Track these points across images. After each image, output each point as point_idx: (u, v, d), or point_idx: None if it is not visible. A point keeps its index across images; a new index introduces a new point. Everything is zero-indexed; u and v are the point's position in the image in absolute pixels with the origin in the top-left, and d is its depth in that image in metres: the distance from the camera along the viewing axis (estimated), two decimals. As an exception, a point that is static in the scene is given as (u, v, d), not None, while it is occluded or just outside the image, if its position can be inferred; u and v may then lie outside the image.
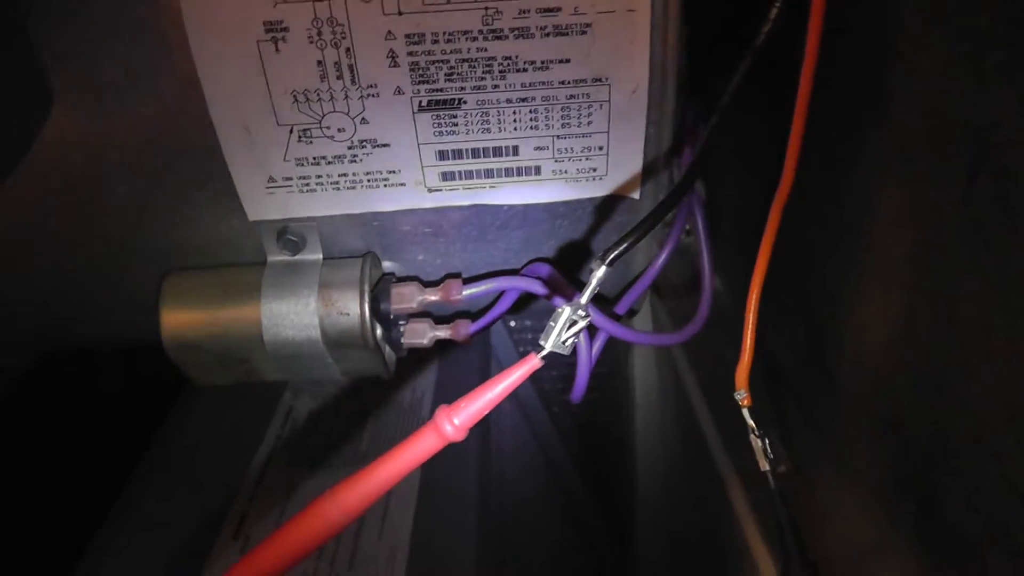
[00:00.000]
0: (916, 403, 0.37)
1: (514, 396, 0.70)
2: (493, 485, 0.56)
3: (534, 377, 0.69)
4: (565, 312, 0.30)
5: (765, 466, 0.37)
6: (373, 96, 0.38)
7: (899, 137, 0.35)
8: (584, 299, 0.30)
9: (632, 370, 0.71)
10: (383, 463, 0.31)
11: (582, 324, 0.30)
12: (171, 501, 0.55)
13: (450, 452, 0.48)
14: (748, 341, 0.36)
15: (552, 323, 0.30)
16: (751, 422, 0.37)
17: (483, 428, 0.55)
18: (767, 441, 0.38)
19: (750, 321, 0.36)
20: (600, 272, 0.31)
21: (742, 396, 0.37)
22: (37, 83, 0.36)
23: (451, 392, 0.69)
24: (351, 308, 0.42)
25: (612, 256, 0.31)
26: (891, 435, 0.38)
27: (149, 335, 0.45)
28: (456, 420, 0.30)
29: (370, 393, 0.70)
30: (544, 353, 0.30)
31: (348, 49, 0.37)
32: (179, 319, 0.43)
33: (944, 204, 0.34)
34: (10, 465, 0.53)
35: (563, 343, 0.30)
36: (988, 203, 0.31)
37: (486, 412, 0.30)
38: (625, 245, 0.31)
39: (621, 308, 0.48)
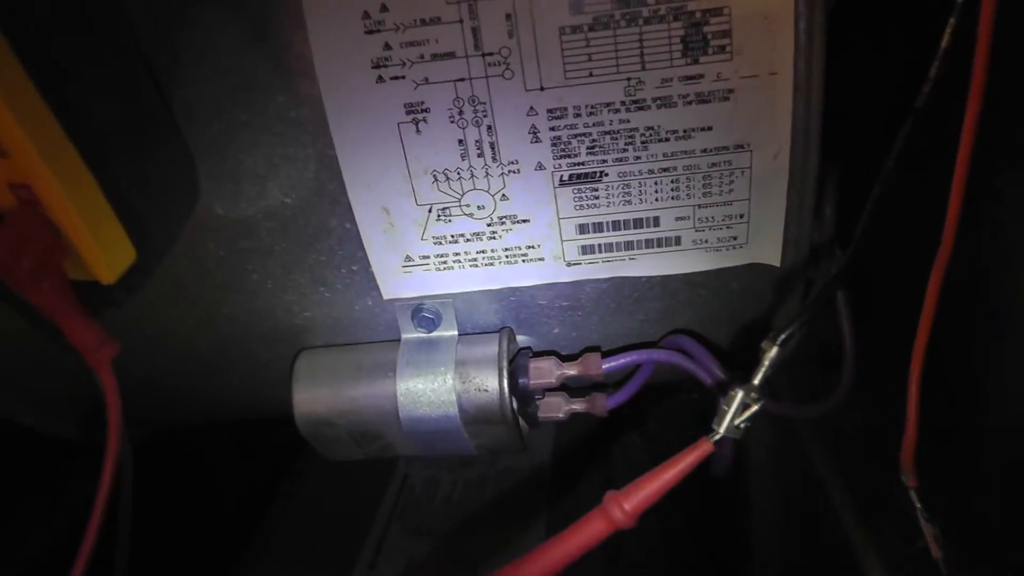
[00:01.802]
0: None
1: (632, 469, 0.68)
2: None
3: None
4: (739, 396, 0.29)
5: (938, 552, 0.35)
6: (514, 172, 0.38)
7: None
8: (757, 381, 0.29)
9: (748, 451, 0.69)
10: (549, 549, 0.30)
11: (755, 408, 0.29)
12: (289, 573, 0.55)
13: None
14: (912, 419, 0.34)
15: (725, 407, 0.29)
16: (919, 504, 0.35)
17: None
18: (939, 529, 0.36)
19: (913, 396, 0.34)
20: (772, 353, 0.29)
21: (908, 476, 0.35)
22: (188, 177, 0.37)
23: (570, 461, 0.67)
24: (490, 384, 0.42)
25: (783, 336, 0.30)
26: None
27: (280, 412, 0.45)
28: (627, 506, 0.29)
29: (485, 459, 0.69)
30: (717, 438, 0.29)
31: (490, 127, 0.37)
32: (312, 397, 0.44)
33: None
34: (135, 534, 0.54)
35: (736, 427, 0.29)
36: None
37: (657, 498, 0.29)
38: (796, 325, 0.30)
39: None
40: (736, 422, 0.29)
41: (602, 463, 0.66)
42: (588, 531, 0.29)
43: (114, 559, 0.39)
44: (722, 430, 0.29)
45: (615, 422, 0.67)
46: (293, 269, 0.42)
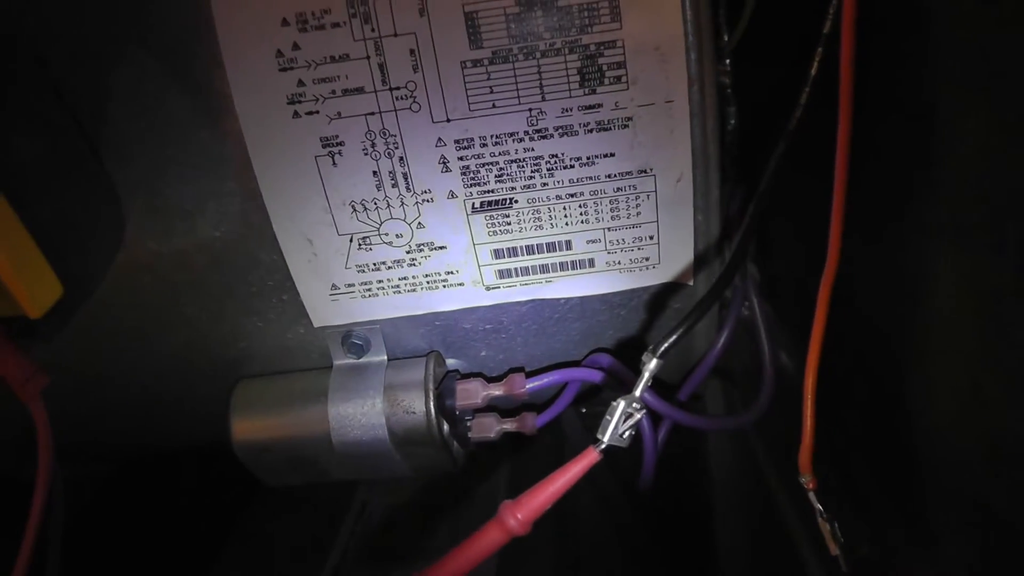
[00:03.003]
0: (994, 476, 0.36)
1: (592, 485, 0.69)
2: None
3: (613, 466, 0.68)
4: (620, 406, 0.30)
5: (835, 551, 0.36)
6: (428, 201, 0.40)
7: (948, 206, 0.35)
8: (638, 392, 0.31)
9: (709, 458, 0.70)
10: (450, 559, 0.31)
11: (637, 416, 0.30)
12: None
13: (526, 548, 0.48)
14: (808, 425, 0.35)
15: (608, 417, 0.30)
16: (818, 506, 0.36)
17: (559, 521, 0.55)
18: (836, 525, 0.37)
19: (808, 404, 0.36)
20: (652, 364, 0.31)
21: (806, 480, 0.36)
22: (112, 214, 0.38)
23: (525, 484, 0.69)
24: (417, 407, 0.43)
25: (663, 348, 0.31)
26: (980, 519, 0.37)
27: (221, 440, 0.46)
28: (519, 515, 0.30)
29: (445, 488, 0.70)
30: (602, 447, 0.30)
31: (401, 158, 0.39)
32: (249, 425, 0.45)
33: (999, 272, 0.34)
34: (92, 570, 0.55)
35: (620, 436, 0.30)
36: None
37: (548, 506, 0.31)
38: (675, 337, 0.31)
39: (684, 393, 0.48)
40: (620, 431, 0.30)
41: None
42: (486, 539, 0.31)
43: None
44: (606, 439, 0.30)
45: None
46: (226, 301, 0.43)
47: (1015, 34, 0.30)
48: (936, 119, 0.36)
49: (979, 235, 0.35)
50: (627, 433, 0.30)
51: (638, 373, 0.44)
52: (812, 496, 0.36)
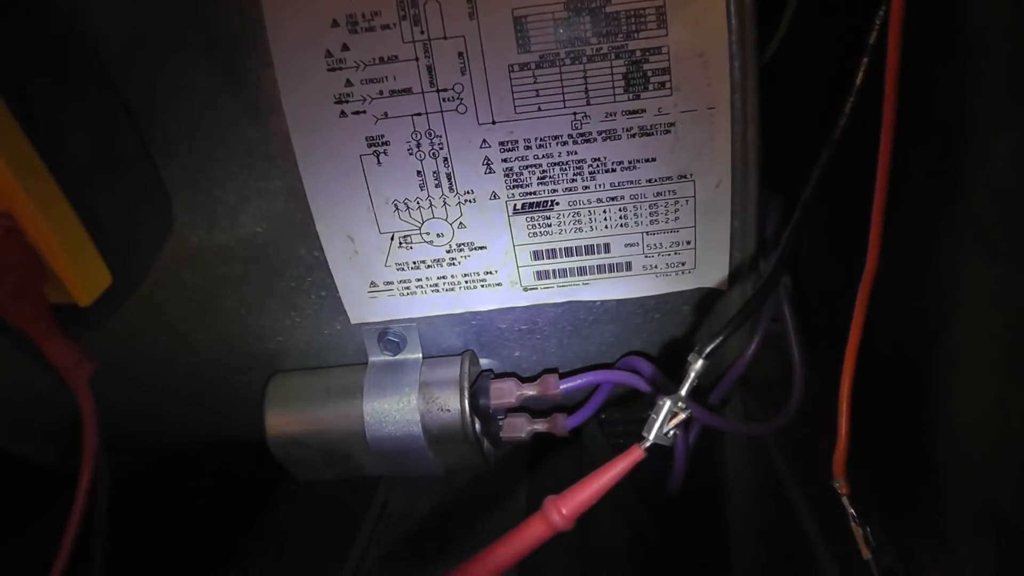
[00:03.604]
0: (1018, 493, 0.36)
1: (610, 493, 0.70)
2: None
3: (631, 472, 0.69)
4: (666, 405, 0.31)
5: (867, 554, 0.37)
6: (470, 202, 0.40)
7: (978, 222, 0.36)
8: (684, 391, 0.31)
9: (726, 465, 0.71)
10: (493, 551, 0.32)
11: (683, 416, 0.31)
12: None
13: (549, 552, 0.48)
14: (843, 430, 0.36)
15: (654, 415, 0.31)
16: (851, 510, 0.37)
17: (580, 526, 0.55)
18: (868, 529, 0.37)
19: (844, 410, 0.36)
20: (698, 365, 0.32)
21: (840, 484, 0.37)
22: (162, 208, 0.39)
23: (545, 486, 0.69)
24: (452, 404, 0.44)
25: (709, 349, 0.32)
26: (996, 527, 0.38)
27: (254, 435, 0.47)
28: (564, 510, 0.31)
29: (464, 487, 0.70)
30: (647, 445, 0.31)
31: (446, 159, 0.39)
32: (284, 419, 0.45)
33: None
34: (117, 559, 0.55)
35: (665, 434, 0.31)
36: None
37: (592, 502, 0.31)
38: (721, 339, 0.32)
39: (713, 399, 0.48)
40: (664, 430, 0.31)
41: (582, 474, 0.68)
42: (530, 533, 0.31)
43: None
44: (651, 437, 0.31)
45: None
46: (265, 296, 0.44)
47: None
48: (970, 135, 0.37)
49: (1008, 251, 0.35)
50: (671, 432, 0.31)
51: (671, 376, 0.44)
52: (845, 500, 0.36)
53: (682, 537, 0.73)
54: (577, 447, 0.68)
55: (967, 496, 0.39)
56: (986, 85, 0.34)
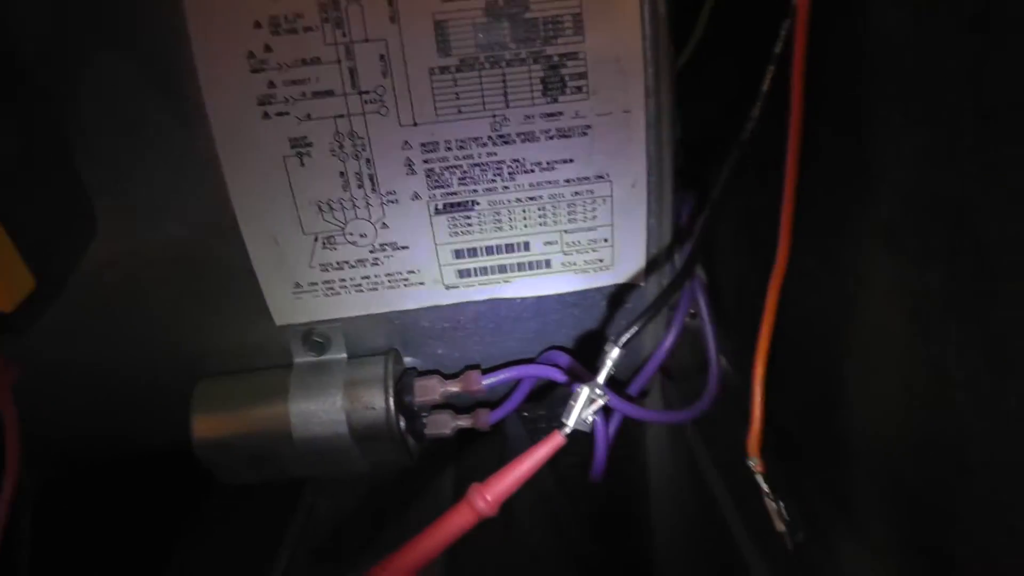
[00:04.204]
0: (921, 465, 0.38)
1: (533, 484, 0.71)
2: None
3: (553, 464, 0.70)
4: (584, 392, 0.32)
5: (781, 527, 0.39)
6: (392, 202, 0.41)
7: (882, 214, 0.38)
8: (601, 379, 0.33)
9: (647, 454, 0.73)
10: (420, 540, 0.32)
11: (600, 402, 0.32)
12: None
13: (475, 544, 0.49)
14: (757, 411, 0.38)
15: (572, 402, 0.32)
16: (765, 487, 0.39)
17: (505, 517, 0.56)
18: (782, 504, 0.39)
19: (757, 392, 0.38)
20: (614, 354, 0.33)
21: (755, 463, 0.39)
22: (84, 212, 0.39)
23: (470, 479, 0.70)
24: (377, 403, 0.44)
25: (625, 339, 0.33)
26: (902, 498, 0.40)
27: (180, 440, 0.47)
28: (488, 496, 0.32)
29: (391, 485, 0.71)
30: (567, 431, 0.32)
31: (368, 160, 0.40)
32: (210, 423, 0.45)
33: (929, 276, 0.36)
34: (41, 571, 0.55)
35: (584, 420, 0.32)
36: (968, 273, 0.34)
37: (516, 487, 0.32)
38: (635, 328, 0.33)
39: (633, 390, 0.50)
40: (583, 416, 0.32)
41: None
42: (456, 521, 0.32)
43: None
44: (571, 423, 0.32)
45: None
46: (189, 298, 0.44)
47: (947, 59, 0.32)
48: (876, 134, 0.39)
49: (911, 243, 0.38)
50: (590, 418, 0.32)
51: (592, 370, 0.46)
52: (760, 478, 0.38)
53: (606, 524, 0.75)
54: (500, 440, 0.69)
55: (873, 469, 0.42)
56: (889, 89, 0.36)
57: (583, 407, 0.32)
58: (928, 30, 0.36)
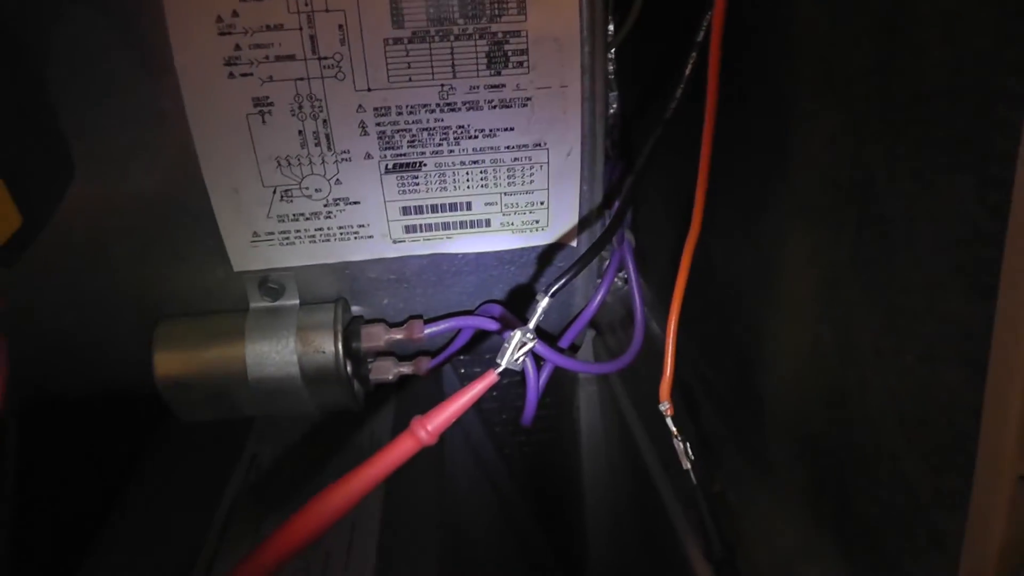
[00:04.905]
0: (826, 416, 0.43)
1: (466, 438, 0.75)
2: (450, 520, 0.61)
3: (484, 420, 0.74)
4: (516, 335, 0.36)
5: (687, 465, 0.43)
6: (346, 160, 0.45)
7: (799, 190, 0.43)
8: (532, 324, 0.37)
9: (578, 411, 0.77)
10: (367, 466, 0.36)
11: (530, 345, 0.36)
12: (142, 552, 0.59)
13: (410, 486, 0.53)
14: (669, 358, 0.42)
15: (506, 345, 0.36)
16: (673, 428, 0.43)
17: (438, 465, 0.60)
18: (687, 444, 0.44)
19: (670, 343, 0.42)
20: (544, 302, 0.37)
21: (666, 407, 0.43)
22: (64, 155, 0.42)
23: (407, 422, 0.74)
24: (327, 347, 0.48)
25: (554, 289, 0.37)
26: (808, 446, 0.44)
27: (139, 379, 0.50)
28: (429, 427, 0.36)
29: (330, 434, 0.74)
30: (500, 369, 0.36)
31: (325, 120, 0.43)
32: (170, 361, 0.49)
33: (839, 246, 0.41)
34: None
35: (515, 361, 0.36)
36: (872, 245, 0.38)
37: (453, 420, 0.36)
38: (564, 279, 0.37)
39: (563, 343, 0.54)
40: (515, 357, 0.36)
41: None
42: (399, 449, 0.36)
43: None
44: (504, 363, 0.36)
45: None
46: (153, 244, 0.47)
47: (857, 54, 0.37)
48: (793, 116, 0.43)
49: (824, 216, 0.42)
50: (520, 359, 0.36)
51: (526, 321, 0.50)
52: (669, 420, 0.42)
53: (537, 483, 0.80)
54: (437, 386, 0.73)
55: (784, 420, 0.46)
56: (805, 76, 0.41)
57: (515, 350, 0.36)
58: (842, 27, 0.41)
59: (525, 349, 0.36)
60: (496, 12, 0.42)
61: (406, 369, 0.52)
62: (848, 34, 0.40)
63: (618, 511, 0.73)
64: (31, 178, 0.39)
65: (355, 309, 0.52)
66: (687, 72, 0.40)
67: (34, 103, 0.40)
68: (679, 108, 0.41)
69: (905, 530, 0.37)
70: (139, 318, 0.50)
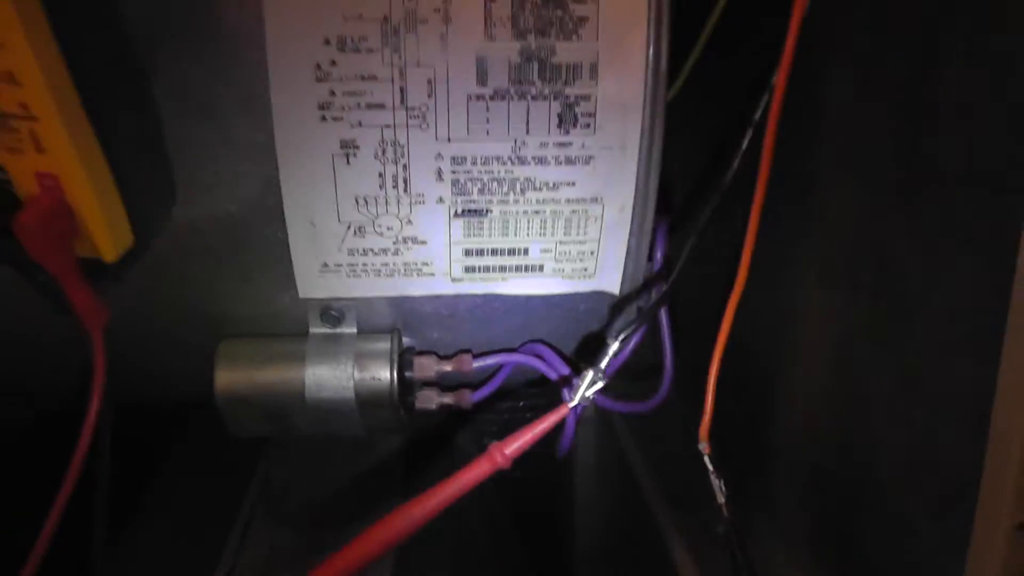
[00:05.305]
0: (835, 463, 0.47)
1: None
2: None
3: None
4: (589, 375, 0.40)
5: (721, 499, 0.47)
6: (420, 203, 0.48)
7: (818, 252, 0.47)
8: (603, 365, 0.40)
9: (576, 443, 0.81)
10: (446, 485, 0.39)
11: (600, 385, 0.40)
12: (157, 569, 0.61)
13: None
14: (709, 405, 0.46)
15: (578, 382, 0.40)
16: (710, 466, 0.47)
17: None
18: (722, 481, 0.47)
19: (710, 390, 0.46)
20: (615, 346, 0.41)
21: (704, 446, 0.47)
22: (169, 178, 0.45)
23: (419, 454, 0.77)
24: (383, 375, 0.51)
25: (624, 335, 0.41)
26: (815, 491, 0.48)
27: (195, 391, 0.52)
28: (506, 451, 0.39)
29: (340, 456, 0.77)
30: (573, 404, 0.40)
31: (405, 165, 0.47)
32: (231, 378, 0.51)
33: (855, 307, 0.45)
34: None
35: (586, 397, 0.40)
36: (887, 308, 0.42)
37: (526, 448, 0.39)
38: (633, 327, 0.41)
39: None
40: (587, 393, 0.40)
41: (450, 456, 0.76)
42: (476, 471, 0.39)
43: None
44: (576, 398, 0.40)
45: (451, 423, 0.78)
46: (227, 266, 0.50)
47: (880, 131, 0.41)
48: (817, 182, 0.48)
49: (842, 279, 0.46)
50: (591, 396, 0.40)
51: (567, 360, 0.54)
52: (707, 459, 0.46)
53: (531, 518, 0.83)
54: (447, 426, 0.77)
55: (795, 469, 0.50)
56: (832, 143, 0.45)
57: (587, 388, 0.40)
58: (867, 104, 0.45)
59: (595, 388, 0.40)
60: (571, 77, 0.46)
61: (448, 400, 0.55)
62: (871, 112, 0.45)
63: (610, 542, 0.77)
64: (143, 201, 0.42)
65: (406, 340, 0.55)
66: (743, 145, 0.44)
67: (152, 133, 0.43)
68: (733, 178, 0.46)
69: (907, 573, 0.41)
70: (202, 334, 0.53)
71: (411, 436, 0.78)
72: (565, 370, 0.53)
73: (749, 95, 0.45)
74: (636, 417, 0.62)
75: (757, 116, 0.43)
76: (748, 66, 0.48)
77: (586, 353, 0.55)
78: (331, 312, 0.52)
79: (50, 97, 0.35)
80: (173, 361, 0.54)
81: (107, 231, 0.39)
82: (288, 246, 0.49)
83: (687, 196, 0.57)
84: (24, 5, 0.33)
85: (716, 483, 0.46)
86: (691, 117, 0.56)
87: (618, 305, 0.53)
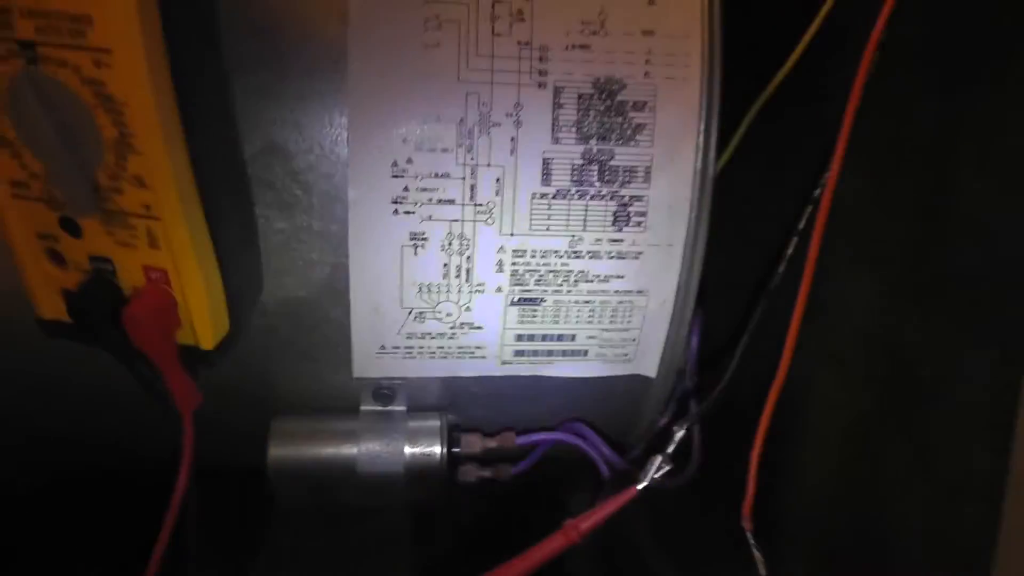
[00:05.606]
0: (852, 546, 0.50)
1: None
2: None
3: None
4: (658, 459, 0.43)
5: (763, 572, 0.50)
6: (479, 292, 0.51)
7: (834, 342, 0.50)
8: (670, 450, 0.43)
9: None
10: (523, 559, 0.42)
11: (667, 468, 0.43)
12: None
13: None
14: (752, 484, 0.49)
15: (649, 466, 0.43)
16: (752, 540, 0.49)
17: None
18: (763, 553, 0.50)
19: (753, 472, 0.49)
20: (680, 433, 0.44)
21: (747, 523, 0.50)
22: (258, 271, 0.47)
23: (427, 527, 0.78)
24: (434, 451, 0.53)
25: (688, 425, 0.44)
26: (828, 561, 0.51)
27: (244, 465, 0.54)
28: (582, 527, 0.42)
29: (345, 529, 0.79)
30: (642, 487, 0.43)
31: (469, 257, 0.50)
32: (284, 454, 0.53)
33: (870, 393, 0.48)
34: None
35: (655, 478, 0.43)
36: (904, 395, 0.45)
37: (598, 524, 0.42)
38: (695, 418, 0.44)
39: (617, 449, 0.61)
40: (656, 476, 0.43)
41: (456, 530, 0.78)
42: (551, 545, 0.42)
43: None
44: (646, 481, 0.43)
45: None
46: (290, 345, 0.52)
47: (894, 224, 0.44)
48: (835, 274, 0.51)
49: (856, 366, 0.50)
50: (660, 476, 0.43)
51: (605, 437, 0.57)
52: (750, 536, 0.49)
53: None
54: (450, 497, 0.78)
55: (809, 551, 0.53)
56: (849, 237, 0.48)
57: (655, 471, 0.43)
58: (883, 203, 0.49)
59: (663, 472, 0.43)
60: (627, 179, 0.49)
61: (487, 473, 0.58)
62: (888, 210, 0.49)
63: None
64: (243, 291, 0.44)
65: (450, 417, 0.57)
66: (789, 252, 0.48)
67: (250, 227, 0.46)
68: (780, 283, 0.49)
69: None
70: (252, 408, 0.54)
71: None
72: (603, 449, 0.55)
73: (793, 200, 0.49)
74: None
75: (802, 225, 0.47)
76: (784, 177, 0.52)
77: (620, 430, 0.58)
78: (383, 391, 0.54)
79: (176, 200, 0.37)
80: (220, 435, 0.55)
81: (209, 321, 0.41)
82: (349, 328, 0.51)
83: (721, 285, 0.61)
84: (164, 113, 0.36)
85: (759, 558, 0.49)
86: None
87: (654, 389, 0.56)
